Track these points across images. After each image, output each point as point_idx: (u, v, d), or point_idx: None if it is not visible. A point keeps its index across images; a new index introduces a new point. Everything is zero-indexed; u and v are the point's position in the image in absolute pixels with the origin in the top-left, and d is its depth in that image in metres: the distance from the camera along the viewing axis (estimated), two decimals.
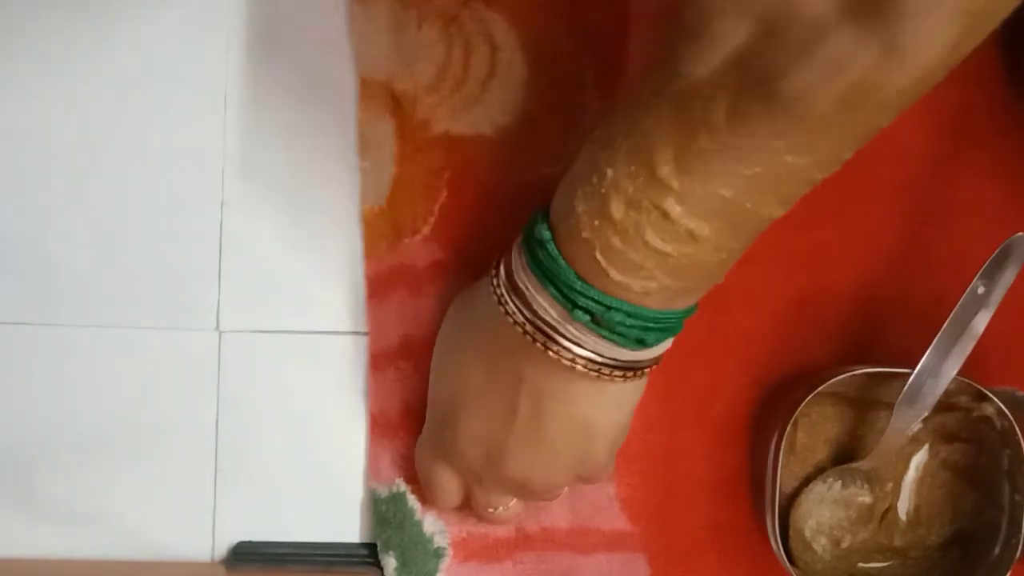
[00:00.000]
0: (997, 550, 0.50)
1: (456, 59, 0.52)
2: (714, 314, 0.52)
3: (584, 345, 0.42)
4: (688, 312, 0.43)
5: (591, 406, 0.45)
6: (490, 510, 0.50)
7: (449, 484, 0.49)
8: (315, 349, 0.52)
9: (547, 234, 0.42)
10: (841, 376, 0.49)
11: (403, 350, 0.52)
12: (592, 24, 0.52)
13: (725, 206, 0.39)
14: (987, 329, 0.47)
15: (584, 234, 0.41)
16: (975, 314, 0.47)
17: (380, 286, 0.52)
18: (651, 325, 0.42)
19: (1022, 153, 0.53)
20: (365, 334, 0.52)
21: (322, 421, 0.52)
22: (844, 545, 0.51)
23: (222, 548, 0.52)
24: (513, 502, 0.50)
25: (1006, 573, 0.49)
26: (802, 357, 0.53)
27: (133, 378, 0.52)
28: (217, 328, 0.52)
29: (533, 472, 0.47)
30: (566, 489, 0.51)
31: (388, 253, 0.52)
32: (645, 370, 0.45)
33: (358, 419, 0.52)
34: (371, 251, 0.52)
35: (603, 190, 0.40)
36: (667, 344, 0.45)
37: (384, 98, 0.52)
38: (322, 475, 0.52)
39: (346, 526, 0.52)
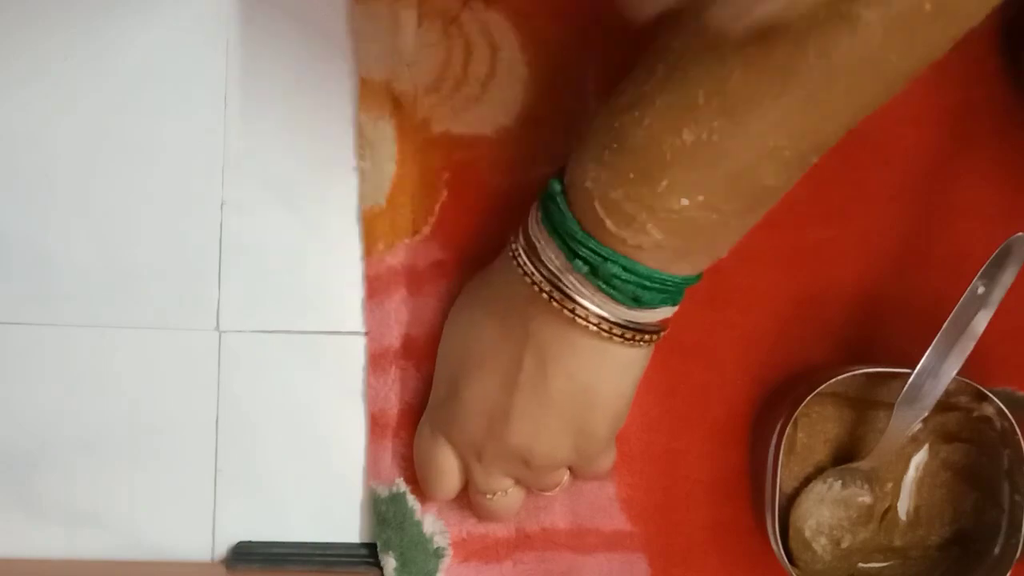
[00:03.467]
0: (997, 550, 0.50)
1: (456, 59, 0.52)
2: (714, 314, 0.52)
3: (584, 296, 0.43)
4: (688, 281, 0.44)
5: (593, 368, 0.45)
6: (489, 496, 0.49)
7: (448, 464, 0.49)
8: (315, 349, 0.52)
9: (558, 187, 0.44)
10: (841, 376, 0.49)
11: (403, 350, 0.52)
12: (592, 24, 0.52)
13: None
14: (987, 329, 0.47)
15: (587, 184, 0.42)
16: (975, 314, 0.47)
17: (380, 286, 0.52)
18: (647, 283, 0.43)
19: (1022, 153, 0.53)
20: (365, 334, 0.52)
21: (322, 421, 0.52)
22: (844, 545, 0.51)
23: (222, 548, 0.52)
24: (512, 488, 0.49)
25: (1006, 573, 0.49)
26: (802, 357, 0.53)
27: (133, 378, 0.52)
28: (217, 328, 0.52)
29: (534, 440, 0.47)
30: (566, 480, 0.50)
31: (388, 253, 0.52)
32: (648, 338, 0.45)
33: (358, 419, 0.52)
34: (371, 251, 0.52)
35: (606, 142, 0.42)
36: (668, 312, 0.45)
37: (384, 98, 0.52)
38: (322, 475, 0.52)
39: (346, 526, 0.52)
